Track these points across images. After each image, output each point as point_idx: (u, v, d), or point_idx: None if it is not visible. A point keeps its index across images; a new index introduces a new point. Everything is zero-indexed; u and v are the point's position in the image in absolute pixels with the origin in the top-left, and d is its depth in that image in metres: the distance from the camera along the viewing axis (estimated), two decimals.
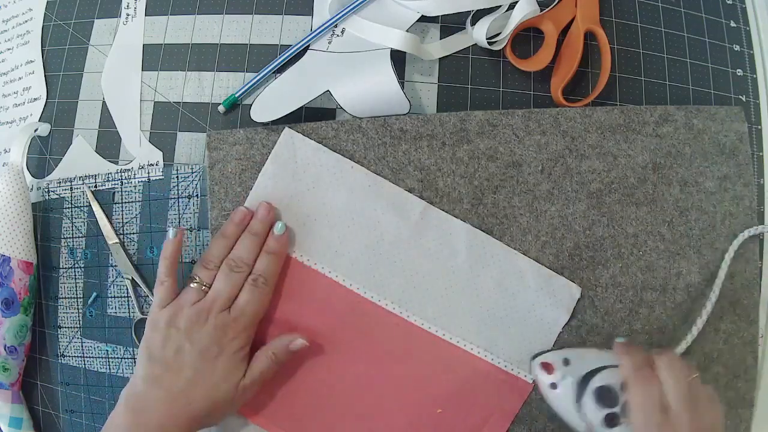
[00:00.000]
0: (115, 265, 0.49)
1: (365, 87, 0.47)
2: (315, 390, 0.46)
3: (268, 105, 0.48)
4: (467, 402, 0.46)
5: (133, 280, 0.49)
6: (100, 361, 0.49)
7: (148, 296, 0.49)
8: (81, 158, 0.51)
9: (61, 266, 0.50)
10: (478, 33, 0.48)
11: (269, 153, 0.46)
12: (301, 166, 0.46)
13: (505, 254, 0.46)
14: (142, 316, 0.49)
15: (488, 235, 0.46)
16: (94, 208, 0.49)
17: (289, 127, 0.46)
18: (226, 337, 0.41)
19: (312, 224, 0.46)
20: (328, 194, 0.46)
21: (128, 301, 0.49)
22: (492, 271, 0.46)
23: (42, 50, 0.53)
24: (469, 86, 0.50)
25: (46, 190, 0.51)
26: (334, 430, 0.46)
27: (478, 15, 0.49)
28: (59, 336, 0.50)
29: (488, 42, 0.49)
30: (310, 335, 0.45)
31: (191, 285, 0.42)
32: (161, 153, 0.50)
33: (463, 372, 0.46)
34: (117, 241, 0.49)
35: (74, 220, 0.50)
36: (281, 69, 0.50)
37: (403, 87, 0.47)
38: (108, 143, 0.51)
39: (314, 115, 0.49)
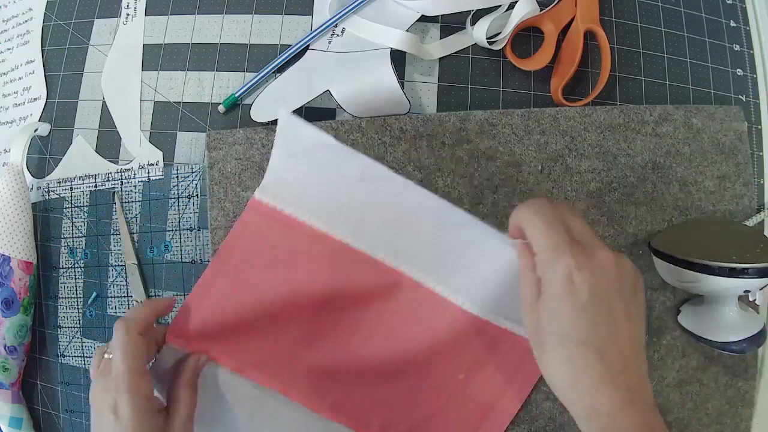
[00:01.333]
0: (114, 264, 0.49)
1: (365, 87, 0.47)
2: (336, 359, 0.45)
3: (268, 105, 0.48)
4: (490, 368, 0.46)
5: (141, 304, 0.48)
6: None
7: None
8: (81, 158, 0.51)
9: (61, 266, 0.50)
10: (478, 33, 0.48)
11: (269, 153, 0.46)
12: (310, 145, 0.44)
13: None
14: None
15: None
16: (120, 226, 0.49)
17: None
18: (110, 398, 0.36)
19: (330, 195, 0.44)
20: (349, 166, 0.43)
21: (128, 300, 0.49)
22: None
23: (42, 50, 0.53)
24: (469, 86, 0.50)
25: (46, 190, 0.51)
26: (358, 399, 0.45)
27: (478, 15, 0.49)
28: (59, 336, 0.50)
29: (488, 42, 0.49)
30: (332, 301, 0.45)
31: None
32: (161, 153, 0.50)
33: (484, 339, 0.46)
34: (135, 262, 0.49)
35: (74, 220, 0.50)
36: (281, 69, 0.50)
37: (403, 87, 0.47)
38: (108, 143, 0.51)
39: (314, 115, 0.49)
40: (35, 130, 0.50)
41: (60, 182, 0.51)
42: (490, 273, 0.45)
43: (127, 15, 0.52)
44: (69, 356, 0.50)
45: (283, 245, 0.45)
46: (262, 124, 0.48)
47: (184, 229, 0.49)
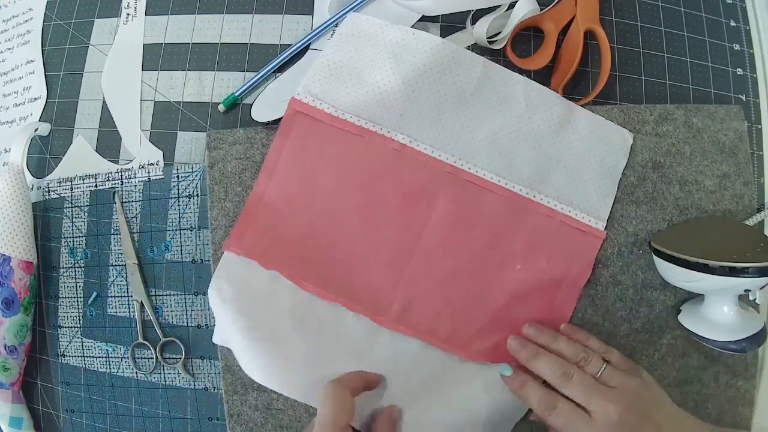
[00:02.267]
0: (114, 264, 0.49)
1: None
2: (394, 265, 0.45)
3: (268, 104, 0.48)
4: (545, 254, 0.46)
5: (141, 304, 0.48)
6: (100, 361, 0.49)
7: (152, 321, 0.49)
8: (81, 158, 0.51)
9: (61, 266, 0.50)
10: (479, 32, 0.48)
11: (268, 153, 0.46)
12: (364, 38, 0.47)
13: (560, 103, 0.47)
14: (141, 341, 0.48)
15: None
16: (121, 226, 0.49)
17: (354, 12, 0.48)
18: None
19: (374, 91, 0.46)
20: (390, 62, 0.46)
21: (128, 300, 0.49)
22: (551, 121, 0.47)
23: (42, 50, 0.53)
24: None
25: (46, 189, 0.51)
26: (419, 308, 0.45)
27: (478, 14, 0.49)
28: (59, 335, 0.50)
29: (488, 41, 0.49)
30: (381, 200, 0.45)
31: None
32: (161, 152, 0.50)
33: (537, 224, 0.46)
34: (136, 261, 0.48)
35: (74, 220, 0.50)
36: (281, 69, 0.50)
37: None
38: (108, 143, 0.51)
39: None
40: (35, 130, 0.50)
41: (60, 182, 0.51)
42: (525, 150, 0.46)
43: (128, 15, 0.52)
44: (69, 356, 0.50)
45: (330, 143, 0.46)
46: (263, 123, 0.48)
47: (184, 229, 0.49)
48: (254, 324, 0.44)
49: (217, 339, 0.45)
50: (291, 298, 0.45)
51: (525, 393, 0.41)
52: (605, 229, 0.47)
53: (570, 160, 0.47)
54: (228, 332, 0.44)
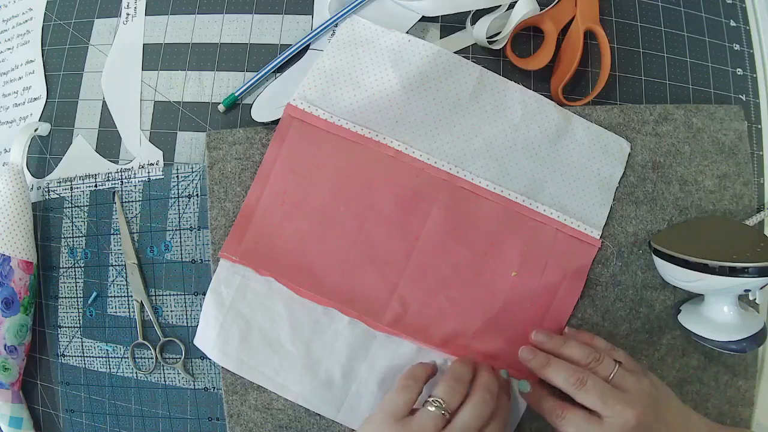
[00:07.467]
0: (114, 264, 0.49)
1: None
2: (390, 271, 0.45)
3: (268, 105, 0.48)
4: (540, 262, 0.46)
5: (141, 304, 0.48)
6: (100, 361, 0.49)
7: (152, 321, 0.49)
8: (81, 158, 0.51)
9: (61, 266, 0.50)
10: (479, 32, 0.48)
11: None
12: (360, 44, 0.47)
13: (557, 112, 0.47)
14: (141, 341, 0.48)
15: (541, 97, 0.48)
16: (120, 226, 0.49)
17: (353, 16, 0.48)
18: None
19: (370, 97, 0.46)
20: (386, 68, 0.46)
21: (128, 300, 0.49)
22: (548, 129, 0.47)
23: (42, 50, 0.53)
24: None
25: (46, 189, 0.51)
26: (415, 312, 0.45)
27: (478, 14, 0.49)
28: (59, 335, 0.50)
29: (488, 41, 0.49)
30: (377, 207, 0.45)
31: (430, 408, 0.38)
32: (161, 152, 0.50)
33: (532, 232, 0.46)
34: (135, 261, 0.48)
35: (74, 220, 0.50)
36: (281, 69, 0.50)
37: None
38: (108, 143, 0.51)
39: None
40: (35, 130, 0.50)
41: (60, 182, 0.51)
42: (521, 158, 0.47)
43: (127, 15, 0.52)
44: (69, 356, 0.50)
45: (325, 149, 0.46)
46: (263, 123, 0.48)
47: (184, 229, 0.49)
48: (250, 328, 0.45)
49: (198, 342, 0.46)
50: (286, 302, 0.45)
51: (539, 405, 0.41)
52: (601, 237, 0.47)
53: (566, 169, 0.47)
54: (220, 337, 0.45)
